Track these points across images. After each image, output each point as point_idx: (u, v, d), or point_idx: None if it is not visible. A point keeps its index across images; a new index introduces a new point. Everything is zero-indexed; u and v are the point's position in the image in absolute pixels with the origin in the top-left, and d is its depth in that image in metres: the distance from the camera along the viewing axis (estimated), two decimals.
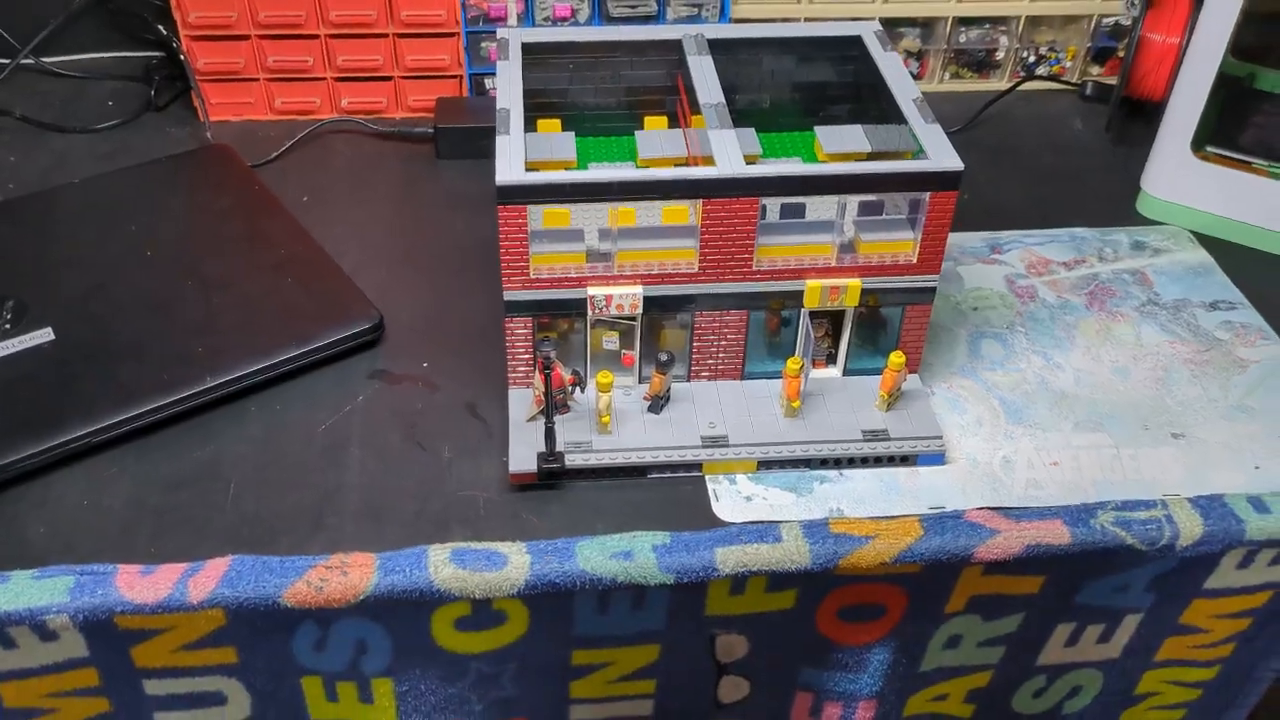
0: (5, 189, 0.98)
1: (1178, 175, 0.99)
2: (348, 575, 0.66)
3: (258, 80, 1.07)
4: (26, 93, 1.10)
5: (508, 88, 0.78)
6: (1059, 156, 1.10)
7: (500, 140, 0.73)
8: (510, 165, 0.71)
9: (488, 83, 1.10)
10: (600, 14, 1.08)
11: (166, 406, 0.75)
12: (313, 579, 0.66)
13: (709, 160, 0.73)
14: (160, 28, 1.08)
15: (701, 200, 0.72)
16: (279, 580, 0.65)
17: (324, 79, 1.07)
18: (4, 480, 0.71)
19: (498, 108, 0.76)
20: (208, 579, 0.65)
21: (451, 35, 1.07)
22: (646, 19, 1.08)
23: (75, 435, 0.72)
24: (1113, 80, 1.15)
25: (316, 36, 1.05)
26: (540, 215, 0.73)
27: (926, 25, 1.15)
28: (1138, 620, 0.78)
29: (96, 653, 0.67)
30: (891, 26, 1.14)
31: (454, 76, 1.09)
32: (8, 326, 0.78)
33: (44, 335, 0.78)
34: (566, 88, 0.86)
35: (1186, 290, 0.93)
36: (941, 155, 0.73)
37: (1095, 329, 0.89)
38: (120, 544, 0.70)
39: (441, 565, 0.66)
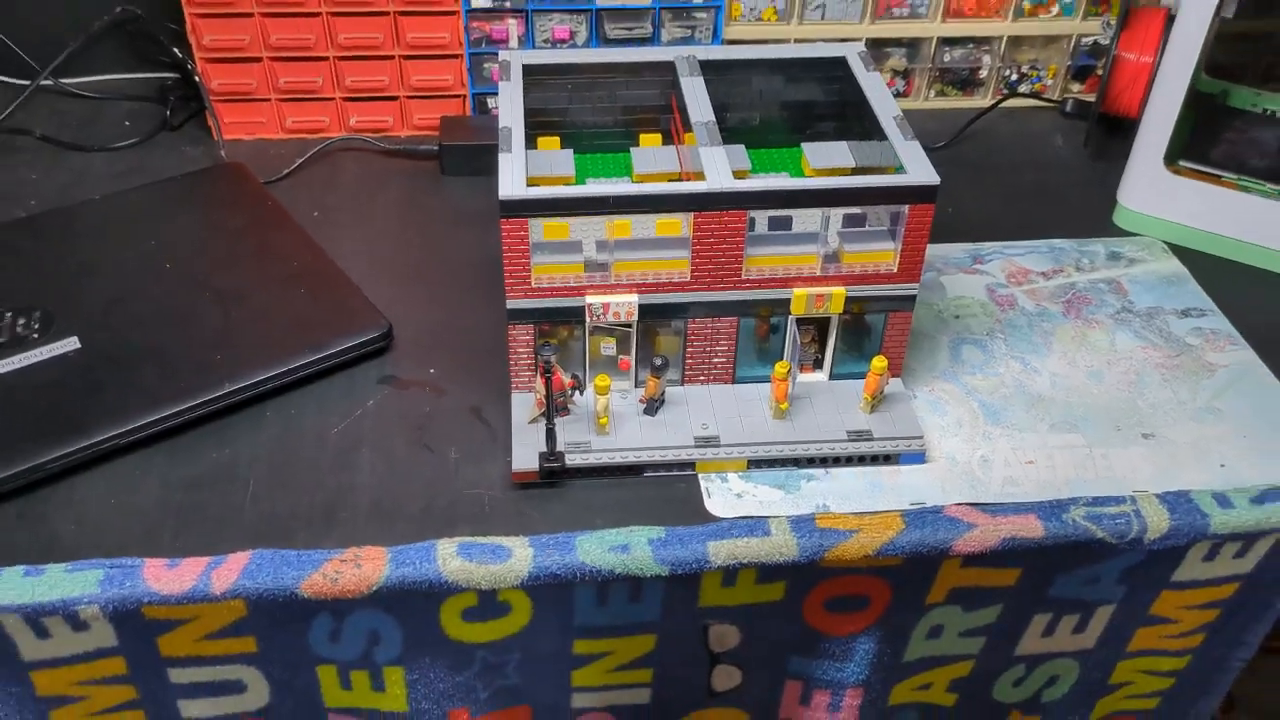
0: (27, 205, 1.02)
1: (1152, 189, 1.04)
2: (361, 567, 0.70)
3: (269, 100, 1.11)
4: (46, 113, 1.14)
5: (509, 107, 0.82)
6: (1040, 171, 1.14)
7: (503, 157, 0.77)
8: (513, 181, 0.75)
9: (490, 102, 1.15)
10: (597, 36, 1.12)
11: (187, 411, 0.79)
12: (328, 571, 0.69)
13: (700, 175, 0.77)
14: (176, 50, 1.12)
15: (693, 213, 0.76)
16: (297, 572, 0.69)
17: (333, 99, 1.12)
18: (35, 480, 0.75)
19: (500, 126, 0.80)
20: (230, 571, 0.69)
21: (455, 57, 1.11)
22: (642, 41, 1.13)
23: (102, 438, 0.76)
24: (1092, 97, 1.19)
25: (325, 58, 1.09)
26: (541, 228, 0.77)
27: (912, 45, 1.19)
28: (1110, 611, 0.82)
29: (125, 642, 0.71)
30: (878, 47, 1.18)
31: (458, 96, 1.13)
32: (35, 336, 0.82)
33: (70, 344, 0.82)
34: (565, 107, 0.90)
35: (1160, 298, 0.97)
36: (919, 170, 0.77)
37: (1071, 335, 0.93)
38: (145, 541, 0.73)
39: (450, 558, 0.70)
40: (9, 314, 0.84)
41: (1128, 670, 0.87)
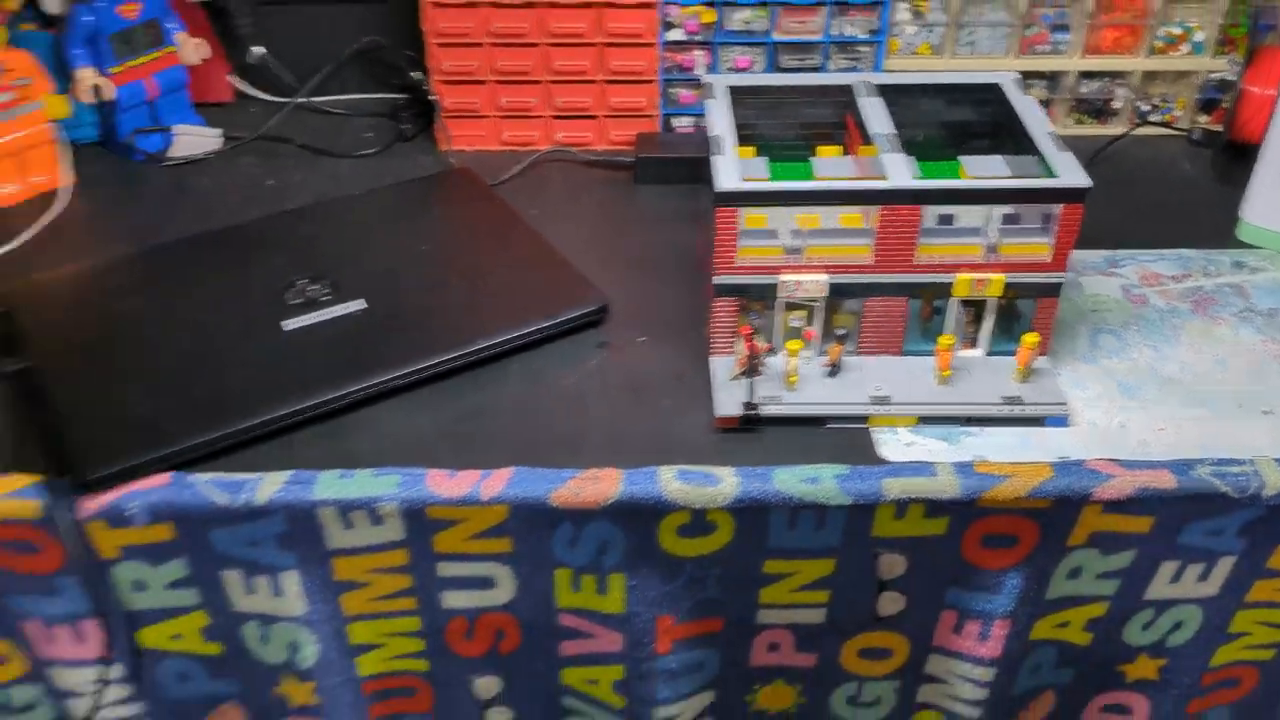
0: (296, 200, 1.21)
1: (1273, 206, 1.15)
2: (599, 483, 0.85)
3: (489, 117, 1.29)
4: (300, 126, 1.34)
5: (719, 119, 0.98)
6: (1169, 191, 1.25)
7: (716, 159, 0.93)
8: (728, 176, 0.91)
9: (674, 121, 1.31)
10: (774, 65, 1.28)
11: (450, 360, 0.96)
12: (573, 486, 0.85)
13: (881, 177, 0.92)
14: (413, 74, 1.31)
15: (877, 208, 0.91)
16: (549, 485, 0.85)
17: (543, 117, 1.29)
18: (336, 409, 0.92)
19: (710, 135, 0.96)
20: (497, 482, 0.85)
21: (649, 82, 1.28)
22: (812, 70, 1.28)
23: (386, 378, 0.93)
24: (1218, 128, 1.31)
25: (539, 82, 1.27)
26: (744, 217, 0.92)
27: (1053, 78, 1.33)
28: (1231, 562, 0.93)
29: (410, 536, 0.87)
30: (1022, 78, 1.31)
31: (649, 116, 1.30)
32: (327, 297, 1.01)
33: (359, 305, 1.00)
34: (756, 122, 1.05)
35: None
36: (1071, 174, 0.90)
37: (1199, 330, 1.05)
38: (423, 460, 0.88)
39: (670, 480, 0.86)
40: (303, 280, 1.02)
41: (1246, 620, 0.97)
